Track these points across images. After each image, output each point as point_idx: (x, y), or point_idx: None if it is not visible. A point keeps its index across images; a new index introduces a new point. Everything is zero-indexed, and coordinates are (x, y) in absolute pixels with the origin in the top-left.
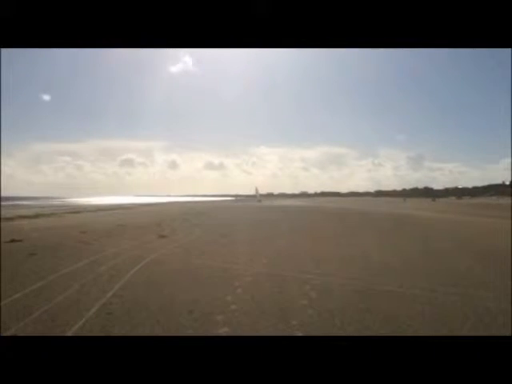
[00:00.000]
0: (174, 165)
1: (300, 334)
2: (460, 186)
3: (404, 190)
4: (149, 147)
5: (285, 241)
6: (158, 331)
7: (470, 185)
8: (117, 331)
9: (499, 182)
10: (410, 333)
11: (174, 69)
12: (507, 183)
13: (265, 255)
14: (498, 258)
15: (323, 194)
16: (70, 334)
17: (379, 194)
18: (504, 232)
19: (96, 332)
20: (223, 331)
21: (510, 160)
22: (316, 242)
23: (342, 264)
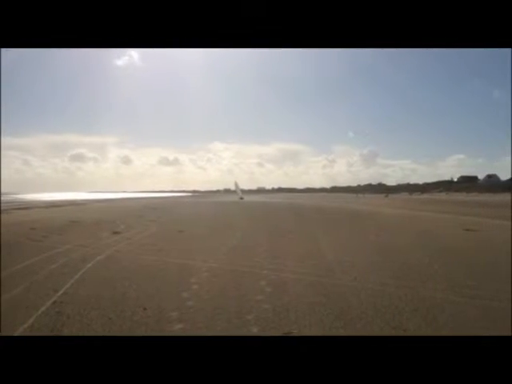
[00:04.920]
0: (127, 160)
1: (300, 334)
2: (411, 182)
3: (359, 185)
4: (100, 142)
5: (242, 237)
6: (111, 329)
7: (420, 181)
8: (67, 331)
9: (448, 178)
10: (361, 324)
11: (120, 62)
12: (455, 179)
13: (222, 251)
14: (446, 251)
15: (280, 190)
16: (17, 333)
17: (335, 189)
18: (452, 226)
19: (45, 332)
20: (178, 328)
21: (456, 157)
22: (271, 238)
23: (296, 259)
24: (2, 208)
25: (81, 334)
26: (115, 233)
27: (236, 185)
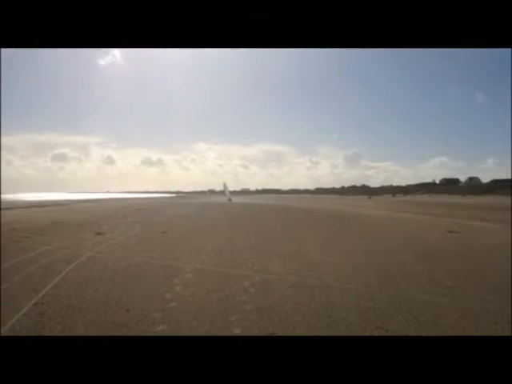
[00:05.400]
0: (110, 160)
1: (300, 334)
2: (394, 184)
3: (343, 187)
4: (83, 142)
5: (226, 238)
6: (93, 331)
7: (403, 183)
8: (48, 333)
9: (430, 180)
10: (345, 324)
11: (103, 62)
12: (437, 182)
13: (206, 252)
14: (429, 252)
15: (264, 191)
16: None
17: (319, 191)
18: (435, 228)
19: (26, 333)
20: (161, 329)
21: (438, 159)
22: (256, 239)
23: (281, 260)
24: None
25: (80, 334)
26: (98, 234)
27: (224, 186)
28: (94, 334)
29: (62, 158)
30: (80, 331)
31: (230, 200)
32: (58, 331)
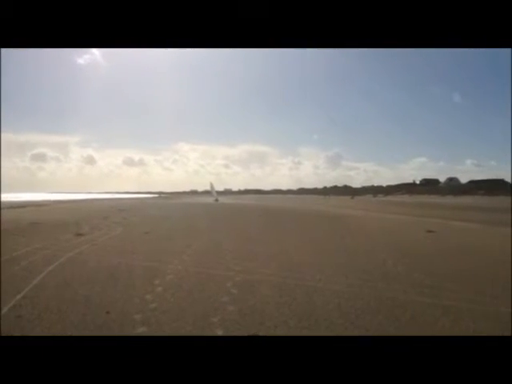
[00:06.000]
0: (90, 160)
1: (301, 334)
2: (375, 185)
3: (325, 187)
4: (62, 142)
5: (209, 239)
6: (72, 333)
7: (384, 183)
8: (26, 334)
9: (410, 180)
10: (326, 324)
11: (82, 61)
12: (417, 182)
13: (188, 253)
14: (409, 252)
15: (247, 192)
16: None
17: (301, 191)
18: (415, 228)
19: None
20: (141, 330)
21: (418, 160)
22: (239, 240)
23: (264, 261)
24: None
25: (80, 334)
26: (78, 235)
27: (211, 186)
28: (93, 334)
29: (41, 157)
30: (59, 333)
31: (216, 200)
32: (36, 333)
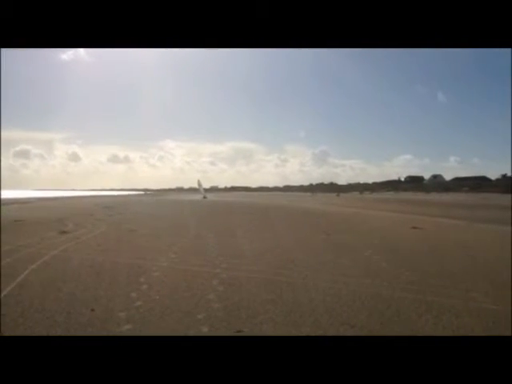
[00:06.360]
0: (75, 157)
1: (300, 334)
2: (361, 182)
3: (311, 184)
4: (46, 139)
5: (195, 236)
6: (56, 332)
7: (369, 180)
8: (9, 333)
9: (395, 177)
10: (311, 321)
11: (65, 56)
12: (402, 179)
13: (174, 250)
14: (394, 248)
15: (233, 189)
16: None
17: (287, 188)
18: (400, 225)
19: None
20: (126, 328)
21: (403, 157)
22: (227, 237)
23: (250, 258)
24: None
25: (79, 334)
26: (62, 232)
27: (199, 183)
28: (93, 334)
29: (24, 154)
30: (43, 332)
31: (205, 198)
32: (19, 332)
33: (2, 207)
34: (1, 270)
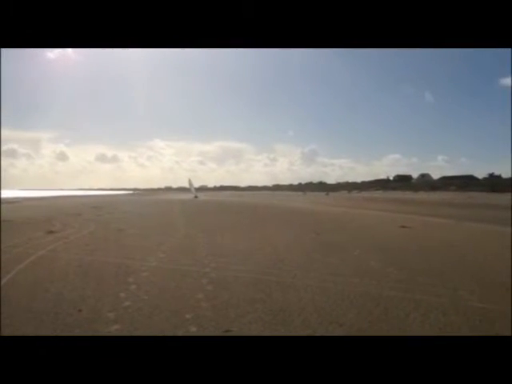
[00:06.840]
0: (63, 157)
1: (300, 334)
2: (350, 181)
3: (300, 183)
4: (33, 138)
5: (185, 236)
6: (43, 332)
7: (358, 179)
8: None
9: (384, 176)
10: (300, 320)
11: (52, 55)
12: (391, 178)
13: (163, 250)
14: (382, 247)
15: (223, 188)
16: None
17: (277, 187)
18: (389, 224)
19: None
20: (114, 328)
21: (392, 156)
22: (216, 237)
23: (239, 258)
24: None
25: (79, 334)
26: (50, 232)
27: (190, 182)
28: (93, 335)
29: (11, 153)
30: (30, 333)
31: (196, 197)
32: (6, 333)
33: None
34: None
